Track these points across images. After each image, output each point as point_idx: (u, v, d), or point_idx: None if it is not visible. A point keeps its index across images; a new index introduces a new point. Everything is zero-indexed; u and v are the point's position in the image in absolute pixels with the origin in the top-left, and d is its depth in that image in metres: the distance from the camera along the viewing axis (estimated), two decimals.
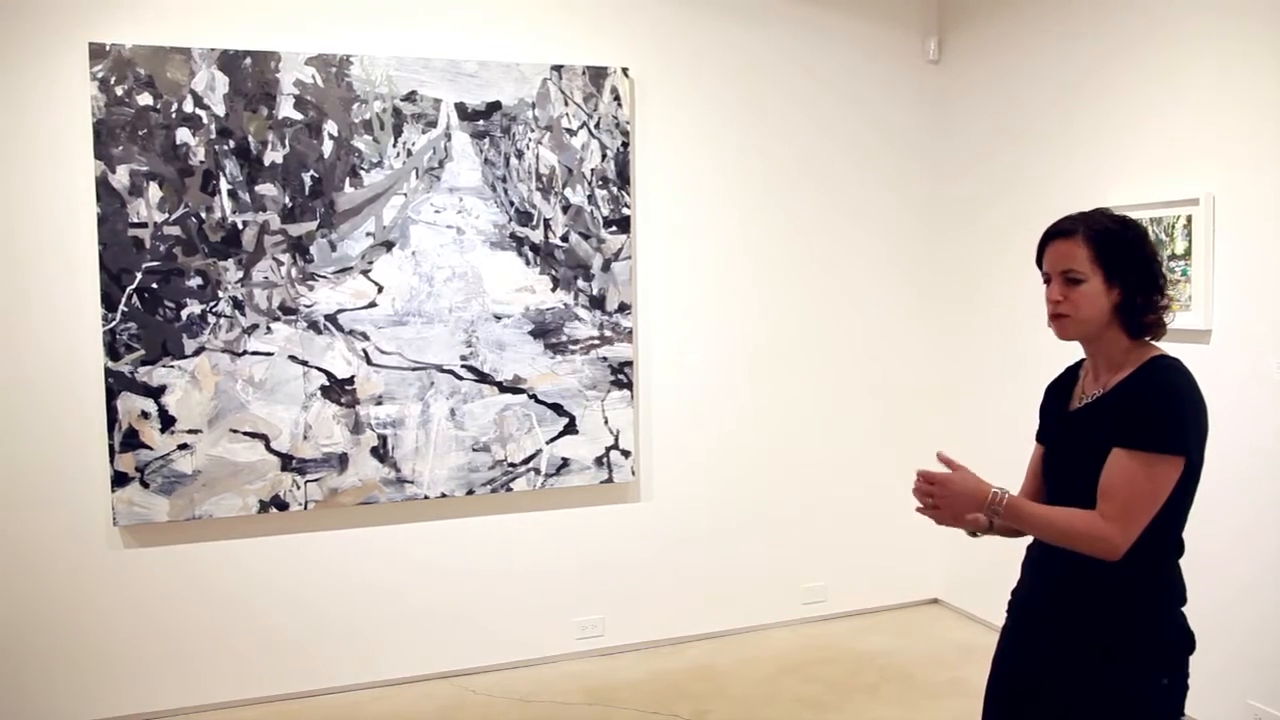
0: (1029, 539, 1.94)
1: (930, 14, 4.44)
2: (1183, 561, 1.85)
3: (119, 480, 3.38)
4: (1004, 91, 4.07)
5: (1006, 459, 3.93)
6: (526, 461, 3.84)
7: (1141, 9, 3.40)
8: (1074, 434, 1.88)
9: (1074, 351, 2.01)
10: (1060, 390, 2.00)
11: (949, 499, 1.80)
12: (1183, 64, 3.24)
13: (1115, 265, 1.79)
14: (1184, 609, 1.84)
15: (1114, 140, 3.53)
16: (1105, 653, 1.78)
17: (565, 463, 3.89)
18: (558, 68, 3.80)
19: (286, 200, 3.52)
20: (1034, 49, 3.90)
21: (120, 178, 3.34)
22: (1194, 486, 1.79)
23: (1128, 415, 1.75)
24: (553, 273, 3.84)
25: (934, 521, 1.83)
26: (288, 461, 3.56)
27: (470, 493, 3.78)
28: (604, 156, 3.88)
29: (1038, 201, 3.88)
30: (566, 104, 3.82)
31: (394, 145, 3.63)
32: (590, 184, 3.87)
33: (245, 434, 3.51)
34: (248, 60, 3.44)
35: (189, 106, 3.40)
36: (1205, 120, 3.16)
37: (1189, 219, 3.14)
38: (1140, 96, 3.41)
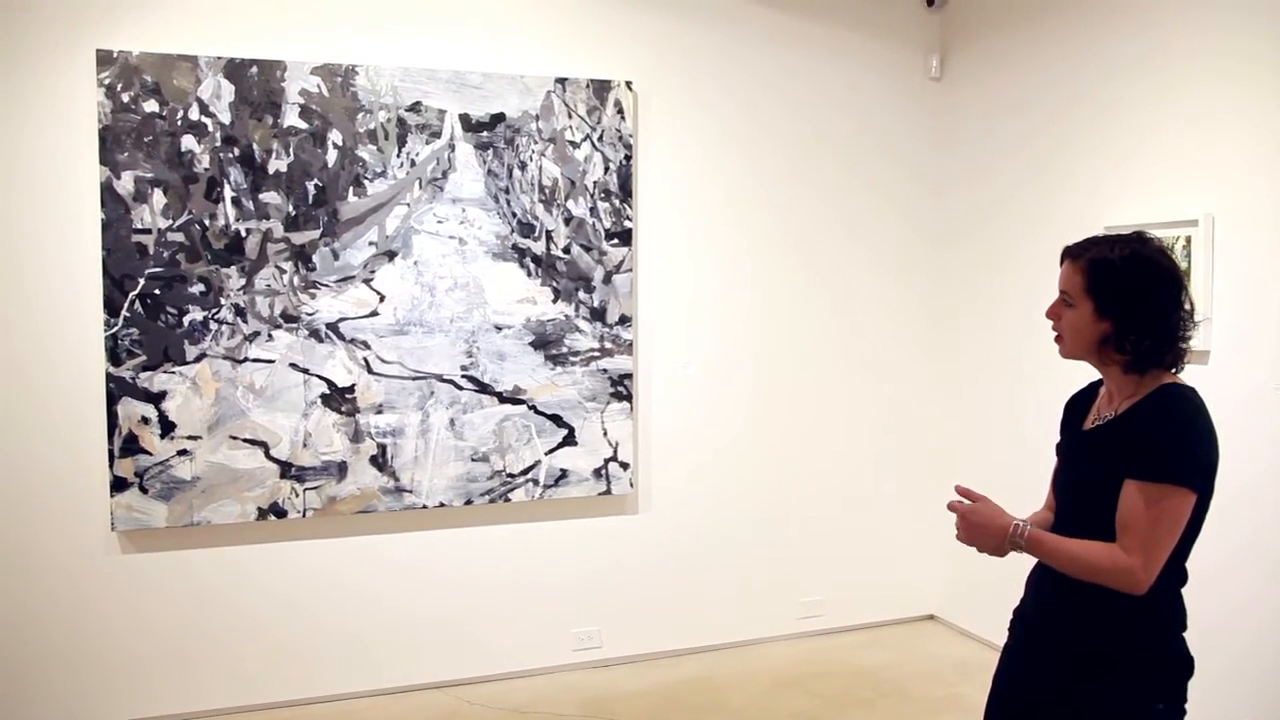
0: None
1: (933, 32, 4.46)
2: None
3: (118, 485, 3.39)
4: (1005, 109, 4.10)
5: (1008, 473, 3.97)
6: (525, 472, 3.85)
7: (1141, 29, 3.43)
8: (1085, 454, 1.89)
9: (1072, 368, 2.02)
10: (1078, 406, 2.00)
11: (970, 530, 1.86)
12: (1182, 84, 3.26)
13: (1106, 298, 1.77)
14: (1183, 634, 1.83)
15: (1113, 160, 3.54)
16: (1104, 674, 1.79)
17: (564, 474, 3.89)
18: (562, 80, 3.82)
19: (290, 208, 3.53)
20: (1035, 68, 3.93)
21: (125, 184, 3.35)
22: (1202, 517, 1.77)
23: (1137, 445, 1.74)
24: (554, 284, 3.85)
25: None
26: (287, 469, 3.56)
27: (469, 503, 3.78)
28: (607, 169, 3.89)
29: (1037, 219, 3.90)
30: (570, 116, 3.84)
31: (398, 155, 3.64)
32: (592, 196, 3.88)
33: (245, 441, 3.51)
34: (254, 69, 3.46)
35: (195, 114, 3.41)
36: (1204, 141, 3.18)
37: (1188, 240, 3.16)
38: (1140, 116, 3.44)
